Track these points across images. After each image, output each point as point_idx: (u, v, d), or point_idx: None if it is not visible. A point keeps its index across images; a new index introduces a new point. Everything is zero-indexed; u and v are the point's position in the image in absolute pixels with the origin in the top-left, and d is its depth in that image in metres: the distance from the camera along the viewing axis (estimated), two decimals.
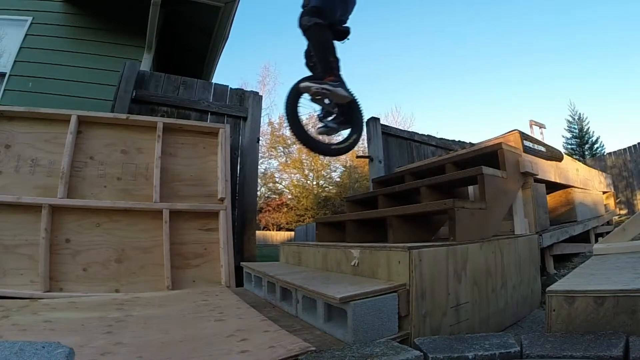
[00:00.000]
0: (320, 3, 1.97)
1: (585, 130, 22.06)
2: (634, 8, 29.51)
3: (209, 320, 1.57)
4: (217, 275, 2.67)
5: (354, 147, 2.22)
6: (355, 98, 2.14)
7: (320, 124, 2.09)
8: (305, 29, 1.97)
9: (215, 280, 2.64)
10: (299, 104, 2.03)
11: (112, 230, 2.55)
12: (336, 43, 2.04)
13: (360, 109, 2.20)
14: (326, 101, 2.01)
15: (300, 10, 2.10)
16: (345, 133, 2.23)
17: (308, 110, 2.06)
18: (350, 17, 2.17)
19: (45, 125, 2.68)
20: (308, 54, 2.19)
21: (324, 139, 2.24)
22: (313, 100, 2.00)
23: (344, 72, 2.06)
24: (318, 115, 2.11)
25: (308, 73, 2.12)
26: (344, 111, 2.12)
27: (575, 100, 40.29)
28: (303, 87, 1.95)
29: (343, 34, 2.16)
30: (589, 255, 2.34)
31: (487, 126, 37.48)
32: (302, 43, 2.13)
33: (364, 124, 2.25)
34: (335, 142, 2.27)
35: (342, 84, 2.01)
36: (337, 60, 2.04)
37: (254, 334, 1.32)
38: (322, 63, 2.00)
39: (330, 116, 2.12)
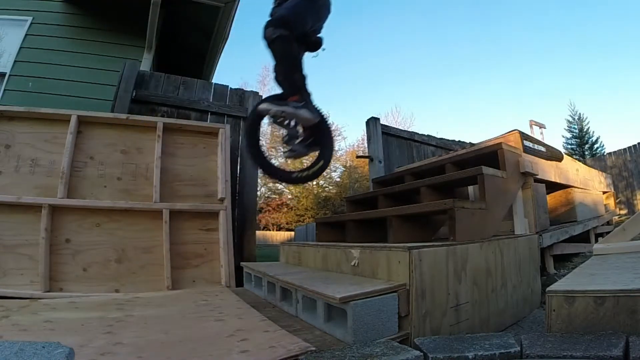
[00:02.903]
0: (287, 12, 1.82)
1: (585, 130, 22.07)
2: (634, 8, 29.53)
3: (209, 320, 1.57)
4: (217, 275, 2.67)
5: (320, 174, 1.99)
6: (325, 119, 1.95)
7: (286, 147, 1.88)
8: (269, 42, 1.77)
9: (215, 280, 2.64)
10: (259, 126, 1.90)
11: (112, 230, 2.55)
12: (308, 55, 1.88)
13: (330, 131, 2.03)
14: (290, 123, 1.83)
15: (267, 19, 1.90)
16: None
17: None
18: (325, 25, 1.97)
19: (45, 125, 2.68)
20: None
21: (289, 163, 2.02)
22: (275, 122, 1.84)
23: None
24: (283, 137, 1.91)
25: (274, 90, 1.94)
26: (313, 133, 1.92)
27: (575, 100, 40.28)
28: (261, 110, 1.79)
29: (315, 45, 1.99)
30: (589, 255, 2.34)
31: (487, 126, 37.49)
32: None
33: (333, 148, 2.07)
34: (299, 169, 1.99)
35: (307, 105, 1.82)
36: (303, 77, 1.88)
37: (254, 334, 1.32)
38: (286, 81, 1.84)
39: (297, 139, 1.89)
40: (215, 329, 1.42)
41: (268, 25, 1.76)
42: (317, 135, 1.93)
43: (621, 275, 1.43)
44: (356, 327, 1.24)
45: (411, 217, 2.06)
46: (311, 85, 1.90)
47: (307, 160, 2.15)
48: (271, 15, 1.94)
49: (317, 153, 1.95)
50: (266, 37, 1.76)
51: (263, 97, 1.95)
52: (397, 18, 37.54)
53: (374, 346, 1.15)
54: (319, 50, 1.97)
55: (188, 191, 2.86)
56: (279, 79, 1.89)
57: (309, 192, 23.92)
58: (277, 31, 1.73)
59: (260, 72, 24.41)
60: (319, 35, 1.97)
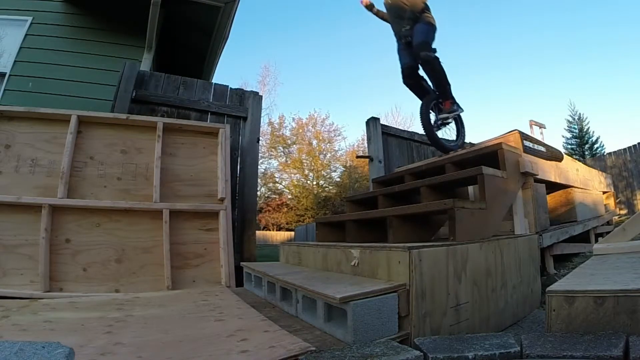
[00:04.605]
0: (428, 39, 2.61)
1: (585, 130, 22.05)
2: (634, 8, 29.51)
3: (209, 320, 1.57)
4: (217, 275, 2.67)
5: (463, 144, 3.19)
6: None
7: (435, 125, 2.97)
8: (429, 62, 2.61)
9: (215, 280, 2.64)
10: (430, 120, 2.89)
11: (112, 230, 2.55)
12: None
13: (462, 118, 3.18)
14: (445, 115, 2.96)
15: (397, 42, 2.85)
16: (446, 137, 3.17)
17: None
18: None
19: (45, 125, 2.68)
20: (407, 74, 2.84)
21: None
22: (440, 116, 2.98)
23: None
24: (435, 121, 2.98)
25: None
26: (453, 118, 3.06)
27: (575, 100, 40.26)
28: (442, 118, 2.91)
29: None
30: (589, 255, 2.34)
31: (487, 126, 37.48)
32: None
33: (464, 127, 3.23)
34: (452, 142, 3.20)
35: (458, 104, 2.88)
36: (450, 85, 2.77)
37: (254, 334, 1.32)
38: (443, 89, 2.75)
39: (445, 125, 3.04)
40: (215, 329, 1.42)
41: (420, 49, 2.65)
42: (457, 119, 3.09)
43: (621, 275, 1.43)
44: (356, 327, 1.24)
45: (411, 217, 2.06)
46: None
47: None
48: (400, 35, 2.81)
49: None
50: (424, 58, 2.63)
51: (422, 103, 2.91)
52: None
53: (374, 346, 1.15)
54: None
55: (188, 191, 2.86)
56: (410, 81, 2.93)
57: (309, 192, 23.92)
58: (432, 54, 2.61)
59: (260, 72, 24.38)
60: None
